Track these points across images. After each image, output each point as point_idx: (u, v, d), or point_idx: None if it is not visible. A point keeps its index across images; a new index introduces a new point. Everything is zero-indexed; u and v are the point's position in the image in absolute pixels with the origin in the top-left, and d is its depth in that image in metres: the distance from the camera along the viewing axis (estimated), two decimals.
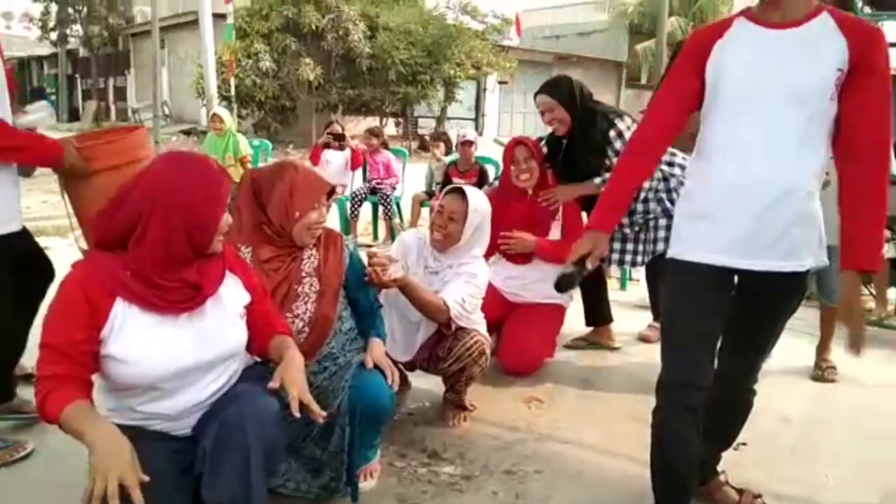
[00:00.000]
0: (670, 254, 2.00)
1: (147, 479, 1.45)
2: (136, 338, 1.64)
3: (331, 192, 2.30)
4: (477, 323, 2.80)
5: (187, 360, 1.69)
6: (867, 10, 16.67)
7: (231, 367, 1.83)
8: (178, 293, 1.68)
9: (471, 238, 2.76)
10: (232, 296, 1.82)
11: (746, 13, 1.87)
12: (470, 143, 6.00)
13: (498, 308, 3.47)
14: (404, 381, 3.05)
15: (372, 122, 18.20)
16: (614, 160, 3.41)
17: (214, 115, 6.66)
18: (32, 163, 2.60)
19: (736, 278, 1.93)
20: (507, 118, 23.54)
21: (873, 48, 1.74)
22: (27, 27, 29.19)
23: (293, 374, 1.75)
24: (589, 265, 2.00)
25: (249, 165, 6.40)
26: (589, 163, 3.46)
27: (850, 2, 14.46)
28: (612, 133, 3.40)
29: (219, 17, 12.34)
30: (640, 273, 4.81)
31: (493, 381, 3.31)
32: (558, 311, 3.56)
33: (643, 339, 3.98)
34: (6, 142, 2.37)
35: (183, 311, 1.69)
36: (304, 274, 2.25)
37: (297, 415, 1.68)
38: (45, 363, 1.60)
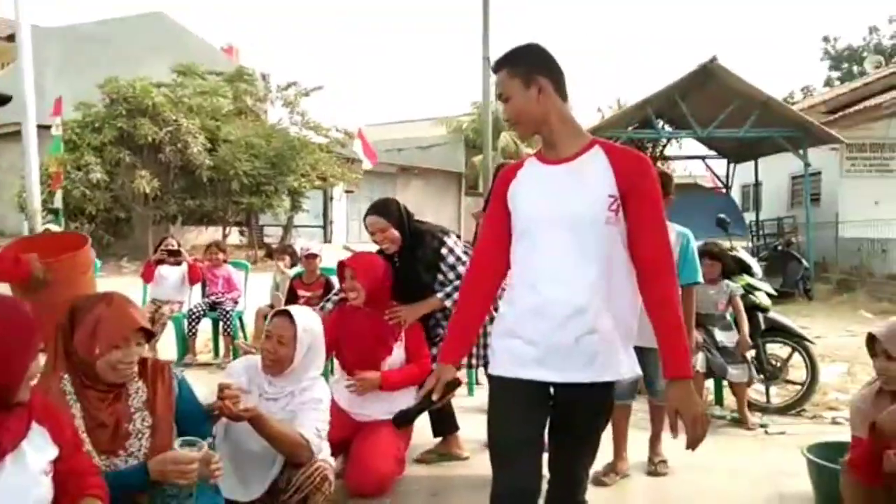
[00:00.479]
0: (490, 370, 2.11)
1: None
2: None
3: (146, 332, 2.15)
4: (324, 452, 2.74)
5: None
6: (668, 128, 18.85)
7: None
8: None
9: (304, 359, 2.72)
10: (36, 451, 1.65)
11: (536, 153, 2.10)
12: (314, 255, 5.99)
13: (343, 428, 3.39)
14: None
15: (214, 231, 17.75)
16: (449, 275, 3.58)
17: (47, 230, 6.74)
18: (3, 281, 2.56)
19: (552, 390, 2.03)
20: (355, 225, 23.81)
21: (640, 174, 1.95)
22: None
23: None
24: (434, 397, 2.05)
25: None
26: (421, 279, 3.59)
27: (651, 122, 16.29)
28: (443, 250, 3.57)
29: (44, 128, 11.77)
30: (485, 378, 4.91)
31: None
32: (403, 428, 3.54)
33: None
34: None
35: None
36: (133, 409, 2.11)
37: None
38: None
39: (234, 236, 18.42)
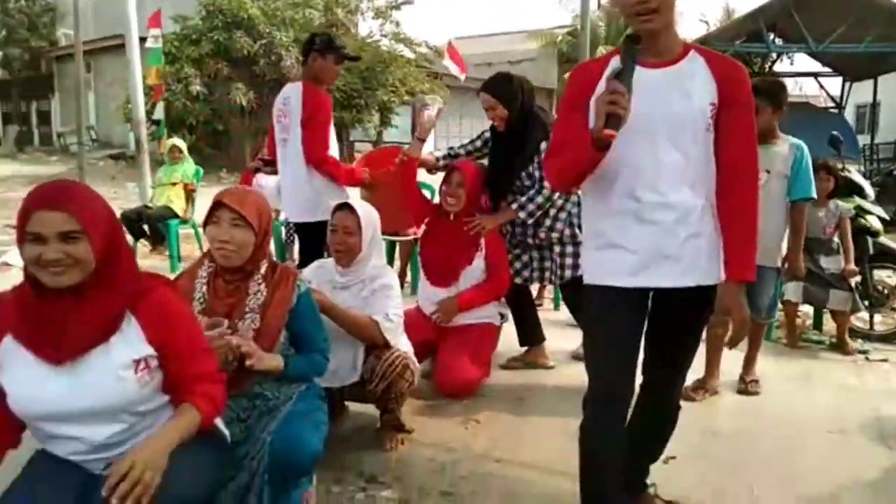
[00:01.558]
0: (586, 280, 2.08)
1: None
2: (16, 374, 1.62)
3: (227, 208, 2.15)
4: (403, 346, 2.84)
5: (56, 406, 1.61)
6: (778, 42, 17.53)
7: (128, 418, 1.68)
8: (48, 335, 1.60)
9: (370, 246, 2.81)
10: (124, 348, 1.65)
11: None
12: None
13: (429, 331, 3.53)
14: (342, 408, 3.04)
15: None
16: (527, 182, 3.55)
17: (174, 146, 7.26)
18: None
19: (650, 295, 2.02)
20: (442, 142, 23.79)
21: (738, 82, 1.93)
22: None
23: (125, 461, 1.54)
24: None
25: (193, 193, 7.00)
26: (513, 166, 3.56)
27: (761, 35, 15.19)
28: (543, 145, 3.48)
29: (146, 40, 12.11)
30: None
31: (430, 403, 3.33)
32: (490, 331, 3.62)
33: (577, 357, 4.05)
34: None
35: (53, 358, 1.59)
36: (247, 309, 2.21)
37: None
38: None
39: None
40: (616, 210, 1.96)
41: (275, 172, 6.90)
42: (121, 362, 1.63)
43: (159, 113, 11.00)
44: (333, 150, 3.85)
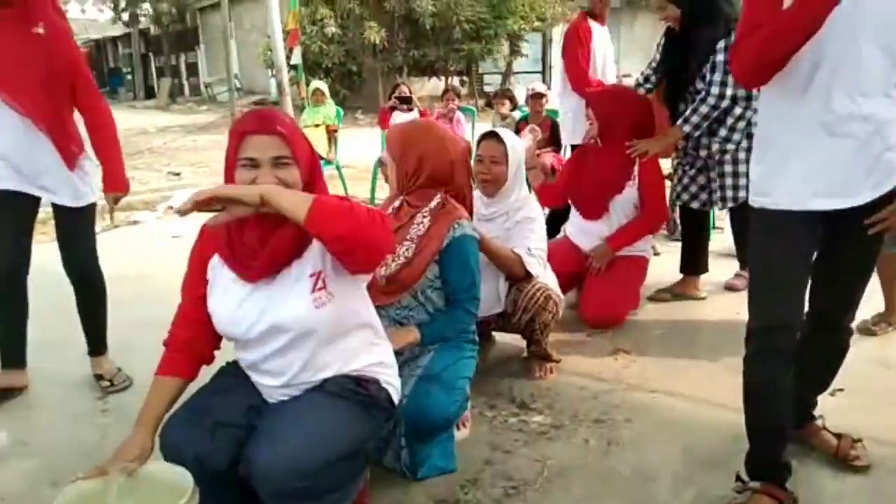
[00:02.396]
0: (755, 202, 1.92)
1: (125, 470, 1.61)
2: (218, 289, 1.76)
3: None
4: (547, 278, 2.84)
5: (245, 323, 1.72)
6: None
7: (301, 343, 1.72)
8: (246, 257, 1.70)
9: (514, 176, 2.80)
10: (306, 267, 1.70)
11: None
12: (540, 95, 5.92)
13: (576, 262, 3.50)
14: (488, 337, 3.11)
15: (437, 83, 18.15)
16: (709, 76, 3.27)
17: (316, 89, 7.54)
18: None
19: (824, 216, 1.86)
20: None
21: None
22: (100, 9, 30.13)
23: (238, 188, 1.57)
24: None
25: (335, 134, 7.30)
26: (688, 67, 3.33)
27: None
28: (718, 56, 3.22)
29: None
30: (724, 221, 4.70)
31: (577, 334, 3.34)
32: (640, 263, 3.54)
33: (730, 288, 3.89)
34: None
35: (247, 276, 1.70)
36: (407, 238, 2.31)
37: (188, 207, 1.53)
38: (174, 323, 1.83)
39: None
40: (803, 120, 1.77)
41: (411, 110, 7.04)
42: (301, 275, 1.70)
43: (297, 58, 11.34)
44: None
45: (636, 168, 3.45)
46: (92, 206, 2.74)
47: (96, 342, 2.89)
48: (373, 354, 1.85)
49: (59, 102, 2.55)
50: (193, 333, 1.81)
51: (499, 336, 3.14)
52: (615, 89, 3.59)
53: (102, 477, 1.64)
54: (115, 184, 2.73)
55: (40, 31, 2.47)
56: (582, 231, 3.57)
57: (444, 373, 2.23)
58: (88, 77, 2.66)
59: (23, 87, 2.46)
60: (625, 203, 3.49)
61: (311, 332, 1.72)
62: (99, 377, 2.85)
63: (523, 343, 2.97)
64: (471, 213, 2.45)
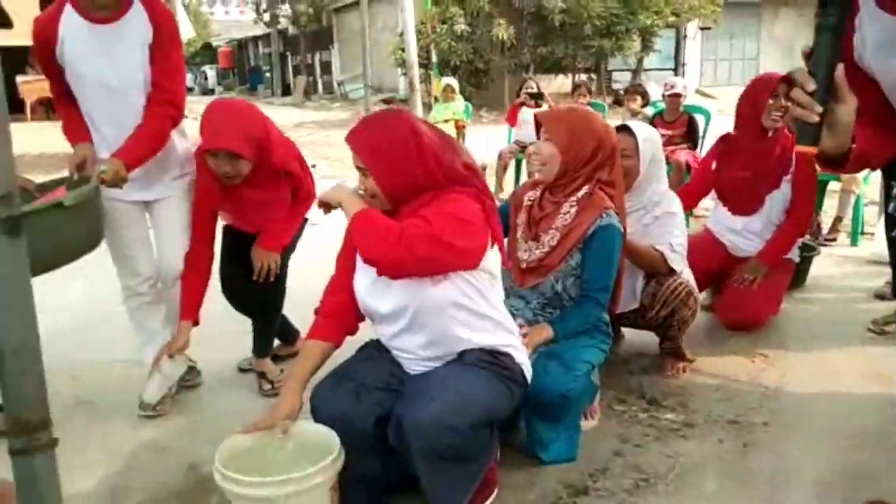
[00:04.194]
0: None
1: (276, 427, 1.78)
2: (361, 268, 1.88)
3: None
4: (686, 274, 2.76)
5: (375, 300, 1.86)
6: None
7: (423, 319, 1.81)
8: None
9: (649, 169, 2.71)
10: None
11: None
12: (678, 95, 5.75)
13: (716, 259, 3.37)
14: (618, 332, 3.07)
15: (564, 80, 17.97)
16: None
17: (448, 86, 7.76)
18: None
19: None
20: (709, 66, 22.08)
21: None
22: (242, 11, 31.94)
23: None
24: None
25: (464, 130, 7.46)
26: None
27: None
28: None
29: None
30: (874, 227, 4.41)
31: (712, 334, 3.25)
32: (786, 266, 3.37)
33: (879, 296, 3.64)
34: None
35: None
36: (553, 226, 2.33)
37: None
38: (325, 291, 2.00)
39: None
40: None
41: (539, 105, 7.04)
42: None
43: (431, 55, 11.59)
44: None
45: (793, 160, 3.25)
46: None
47: (261, 345, 2.92)
48: (503, 332, 1.91)
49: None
50: (343, 301, 1.94)
51: (629, 332, 3.10)
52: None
53: (259, 432, 1.79)
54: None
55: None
56: (728, 227, 3.41)
57: (566, 353, 2.24)
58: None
59: None
60: (779, 198, 3.28)
61: (432, 310, 1.79)
62: (262, 375, 2.88)
63: (654, 339, 2.92)
64: (622, 208, 2.42)
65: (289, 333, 3.11)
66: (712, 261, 3.30)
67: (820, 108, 1.20)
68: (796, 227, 3.30)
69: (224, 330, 2.98)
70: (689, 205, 3.71)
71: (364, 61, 10.32)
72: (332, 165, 9.72)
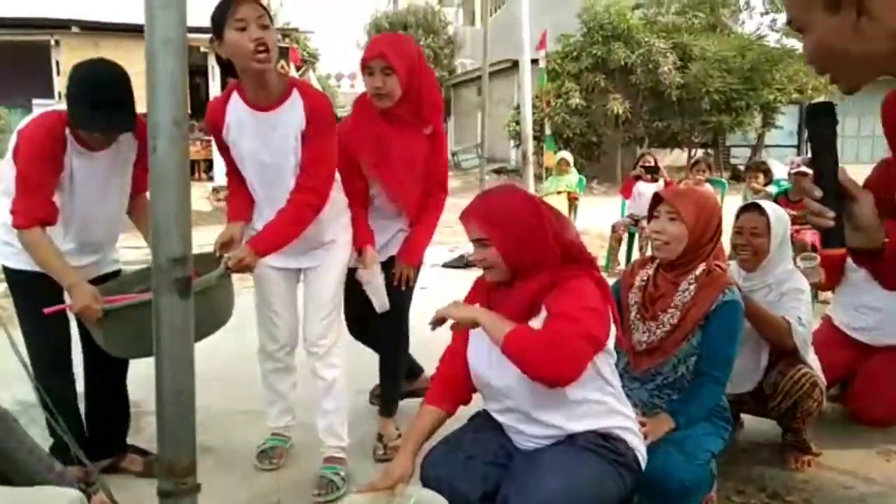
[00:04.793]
0: None
1: None
2: (474, 338, 1.93)
3: (666, 203, 2.32)
4: (811, 361, 2.65)
5: (483, 375, 1.89)
6: None
7: (524, 405, 1.83)
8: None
9: (778, 250, 2.66)
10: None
11: None
12: (804, 174, 5.56)
13: (845, 352, 3.15)
14: (737, 419, 2.94)
15: (679, 154, 17.73)
16: None
17: (562, 159, 8.05)
18: None
19: None
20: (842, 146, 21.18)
21: None
22: (352, 84, 33.61)
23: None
24: None
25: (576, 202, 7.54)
26: None
27: None
28: None
29: (533, 62, 13.13)
30: None
31: (840, 429, 3.06)
32: None
33: None
34: None
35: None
36: (672, 305, 2.31)
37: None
38: (442, 359, 2.05)
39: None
40: None
41: (656, 180, 6.99)
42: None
43: (546, 129, 11.80)
44: None
45: None
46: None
47: (387, 398, 2.99)
48: (617, 417, 1.88)
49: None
50: (457, 370, 1.99)
51: (749, 420, 2.96)
52: None
53: (375, 493, 1.84)
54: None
55: (427, 132, 2.76)
56: (861, 306, 3.18)
57: (686, 440, 2.17)
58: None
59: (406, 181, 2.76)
60: None
61: (527, 395, 1.81)
62: (379, 437, 2.91)
63: (777, 429, 2.78)
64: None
65: (413, 370, 3.20)
66: (839, 352, 3.09)
67: (832, 213, 1.23)
68: None
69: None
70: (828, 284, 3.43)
71: (482, 132, 10.64)
72: (443, 231, 9.95)
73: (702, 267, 2.30)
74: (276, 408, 2.81)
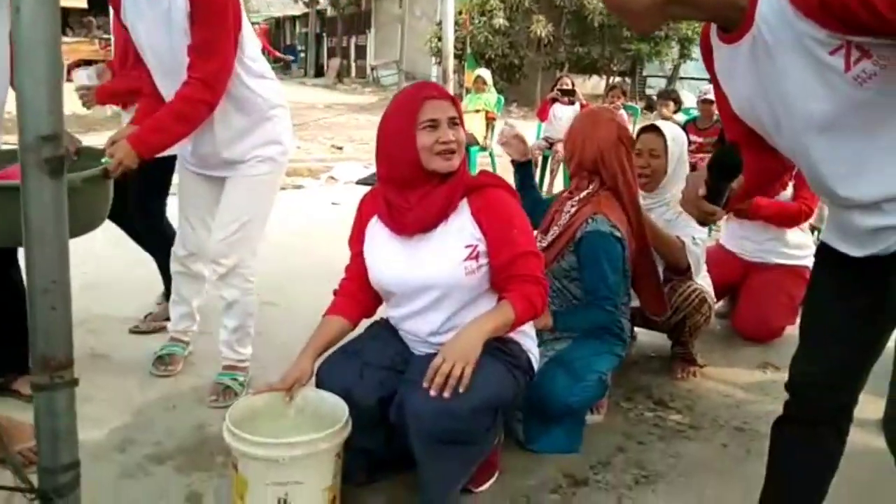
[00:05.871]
0: None
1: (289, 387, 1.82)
2: (375, 246, 1.93)
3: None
4: (702, 278, 2.78)
5: (398, 275, 1.88)
6: None
7: (446, 302, 1.85)
8: (401, 214, 1.85)
9: (676, 169, 2.71)
10: (459, 232, 1.84)
11: None
12: (712, 102, 5.71)
13: (732, 270, 3.37)
14: (630, 332, 3.08)
15: (598, 81, 17.88)
16: None
17: (479, 77, 7.75)
18: None
19: None
20: None
21: None
22: None
23: (450, 346, 1.71)
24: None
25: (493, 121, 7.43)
26: None
27: None
28: None
29: None
30: None
31: (725, 343, 3.26)
32: (801, 273, 3.35)
33: None
34: None
35: (401, 231, 1.86)
36: (557, 223, 2.37)
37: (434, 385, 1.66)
38: (344, 277, 2.03)
39: None
40: None
41: (572, 103, 7.03)
42: (455, 244, 1.84)
43: (468, 47, 11.60)
44: None
45: None
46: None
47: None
48: None
49: None
50: (359, 285, 1.99)
51: (641, 333, 3.10)
52: None
53: (270, 394, 1.83)
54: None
55: None
56: (742, 236, 3.43)
57: (576, 361, 2.25)
58: None
59: None
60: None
61: (456, 292, 1.85)
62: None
63: (666, 342, 2.93)
64: (635, 207, 2.44)
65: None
66: (727, 273, 3.28)
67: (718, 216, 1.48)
68: (796, 207, 3.25)
69: None
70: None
71: (400, 47, 10.36)
72: (359, 148, 9.78)
73: (588, 189, 2.35)
74: (178, 310, 2.73)
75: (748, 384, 2.82)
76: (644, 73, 19.12)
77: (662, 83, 18.77)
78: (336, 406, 1.80)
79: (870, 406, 1.63)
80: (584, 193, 2.37)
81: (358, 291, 1.99)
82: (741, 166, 1.39)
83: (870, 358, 1.50)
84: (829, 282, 1.50)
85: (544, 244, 2.38)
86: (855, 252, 1.38)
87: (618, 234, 2.29)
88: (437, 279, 1.84)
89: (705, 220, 1.51)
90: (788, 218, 3.29)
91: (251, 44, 2.36)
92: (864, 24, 1.12)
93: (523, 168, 2.70)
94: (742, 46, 1.29)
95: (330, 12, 29.50)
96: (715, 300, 2.84)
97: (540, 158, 6.87)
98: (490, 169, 7.39)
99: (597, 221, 2.27)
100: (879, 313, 1.41)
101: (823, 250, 1.50)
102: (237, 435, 1.69)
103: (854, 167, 1.30)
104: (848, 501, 1.97)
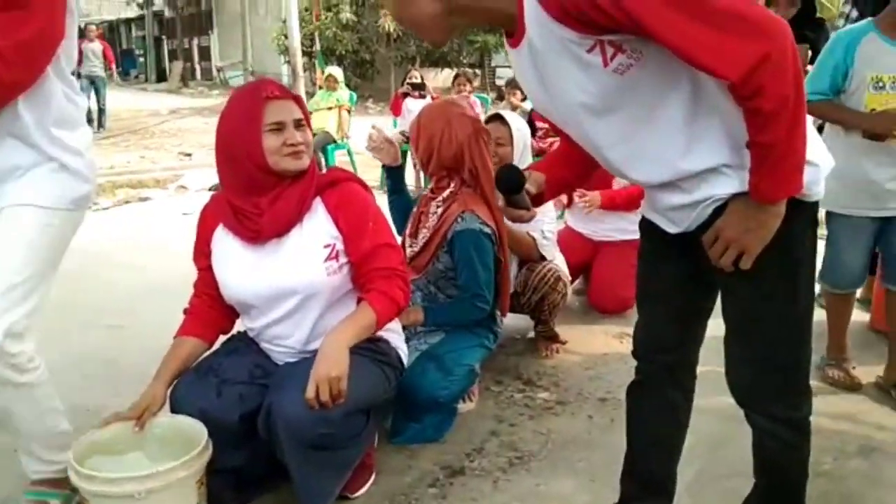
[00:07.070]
0: None
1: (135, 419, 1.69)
2: (224, 258, 1.82)
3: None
4: (558, 260, 2.88)
5: (252, 287, 1.78)
6: None
7: (309, 306, 1.79)
8: (252, 221, 1.75)
9: (520, 158, 2.77)
10: (315, 232, 1.78)
11: None
12: None
13: (583, 251, 3.50)
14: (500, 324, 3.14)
15: (449, 73, 18.14)
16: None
17: (329, 75, 7.60)
18: None
19: None
20: None
21: None
22: None
23: (318, 366, 1.62)
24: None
25: (346, 114, 7.37)
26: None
27: None
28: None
29: None
30: None
31: (584, 318, 3.39)
32: None
33: None
34: None
35: (254, 239, 1.76)
36: (424, 226, 2.37)
37: (315, 406, 1.61)
38: (194, 293, 1.91)
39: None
40: None
41: (423, 96, 7.07)
42: (312, 246, 1.77)
43: (317, 44, 11.38)
44: None
45: None
46: None
47: None
48: None
49: None
50: (211, 302, 1.89)
51: (507, 318, 3.16)
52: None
53: (119, 423, 1.69)
54: None
55: None
56: (585, 218, 3.55)
57: (446, 355, 2.27)
58: None
59: None
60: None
61: (319, 294, 1.79)
62: None
63: (530, 323, 3.01)
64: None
65: None
66: (579, 253, 3.42)
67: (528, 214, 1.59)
68: (636, 195, 3.34)
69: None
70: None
71: (244, 46, 10.01)
72: (209, 154, 9.35)
73: (450, 188, 2.36)
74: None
75: (608, 355, 2.95)
76: (493, 64, 19.60)
77: (511, 73, 19.38)
78: (194, 429, 1.69)
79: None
80: (447, 193, 2.37)
81: (210, 309, 1.89)
82: (519, 182, 1.54)
83: (695, 320, 1.59)
84: (650, 252, 1.58)
85: (416, 248, 2.38)
86: (669, 228, 1.45)
87: (487, 230, 2.32)
88: (298, 284, 1.77)
89: (521, 220, 1.61)
90: (638, 202, 3.46)
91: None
92: (597, 23, 1.18)
93: (395, 172, 2.66)
94: (523, 49, 1.32)
95: (168, 13, 28.04)
96: (570, 278, 2.95)
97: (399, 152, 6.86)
98: (350, 168, 7.33)
99: (466, 220, 2.29)
100: (691, 281, 1.51)
101: (644, 222, 1.57)
102: (83, 473, 1.55)
103: (637, 150, 1.35)
104: (704, 453, 2.11)
